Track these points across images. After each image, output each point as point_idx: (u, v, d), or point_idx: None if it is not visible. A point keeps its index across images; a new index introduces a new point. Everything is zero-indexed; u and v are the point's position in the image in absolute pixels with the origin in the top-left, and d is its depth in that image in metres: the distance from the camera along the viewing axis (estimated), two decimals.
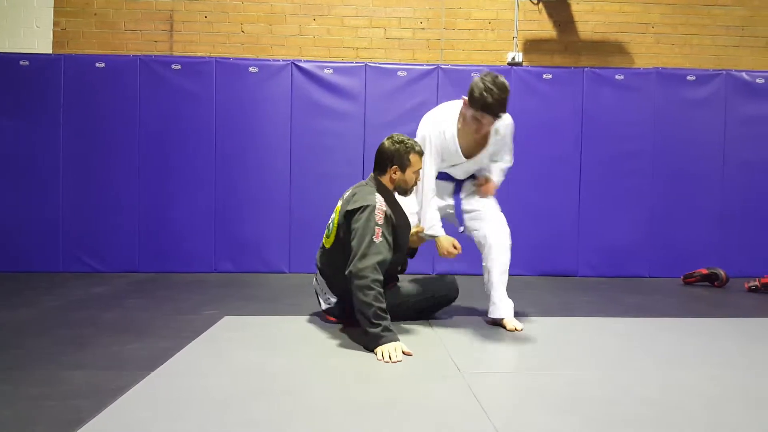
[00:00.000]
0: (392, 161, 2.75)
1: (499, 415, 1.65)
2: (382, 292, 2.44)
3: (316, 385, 1.93)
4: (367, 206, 2.58)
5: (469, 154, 2.94)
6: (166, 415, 1.64)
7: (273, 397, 1.79)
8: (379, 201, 2.62)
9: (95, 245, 4.85)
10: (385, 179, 2.79)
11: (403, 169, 2.76)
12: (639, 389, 1.92)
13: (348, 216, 2.65)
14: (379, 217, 2.57)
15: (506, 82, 2.73)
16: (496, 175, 3.09)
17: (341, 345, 2.48)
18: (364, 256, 2.47)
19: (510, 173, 3.19)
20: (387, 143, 2.78)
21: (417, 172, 2.80)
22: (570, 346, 2.56)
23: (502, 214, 3.04)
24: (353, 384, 1.96)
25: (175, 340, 2.48)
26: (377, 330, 2.35)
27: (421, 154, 2.81)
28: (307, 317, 3.04)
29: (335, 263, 2.73)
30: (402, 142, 2.76)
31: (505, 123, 2.96)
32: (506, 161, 3.14)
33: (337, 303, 2.85)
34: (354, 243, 2.53)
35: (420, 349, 2.41)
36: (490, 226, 2.93)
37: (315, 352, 2.38)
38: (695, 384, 2.00)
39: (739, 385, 2.00)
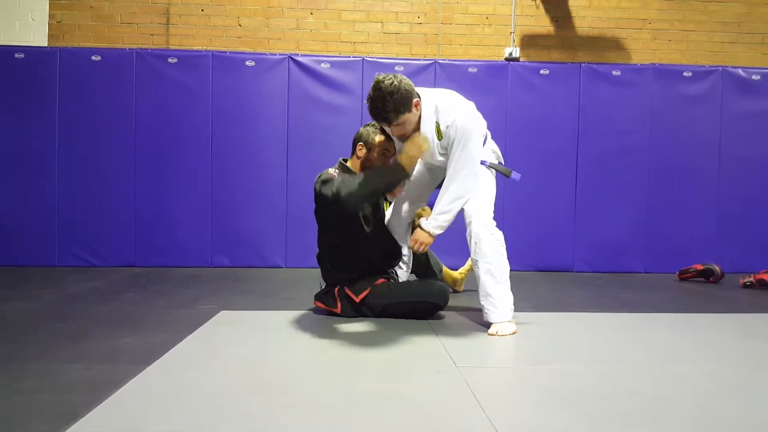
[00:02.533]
0: (360, 139, 2.93)
1: (495, 409, 1.65)
2: (345, 179, 2.64)
3: (311, 379, 1.93)
4: (319, 180, 2.79)
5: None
6: (162, 409, 1.64)
7: (269, 391, 1.79)
8: (330, 171, 2.84)
9: (91, 239, 4.84)
10: (352, 161, 2.96)
11: (368, 147, 2.89)
12: (633, 384, 1.93)
13: (315, 200, 2.87)
14: (331, 175, 2.79)
15: (386, 85, 2.51)
16: (439, 211, 2.68)
17: (337, 339, 2.49)
18: (336, 189, 2.61)
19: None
20: (361, 128, 2.99)
21: (383, 155, 2.87)
22: (565, 340, 2.57)
23: (486, 203, 2.71)
24: (349, 378, 1.96)
25: (171, 335, 2.48)
26: (380, 175, 2.64)
27: (389, 137, 2.88)
28: (303, 312, 3.04)
29: (320, 248, 2.98)
30: (372, 124, 2.94)
31: (447, 123, 2.64)
32: (456, 180, 2.66)
33: (324, 288, 2.99)
34: (324, 198, 2.69)
35: (416, 343, 2.42)
36: (471, 220, 2.67)
37: (310, 346, 2.39)
38: (689, 379, 2.01)
39: (733, 380, 2.01)
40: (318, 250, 3.01)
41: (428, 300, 2.86)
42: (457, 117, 2.62)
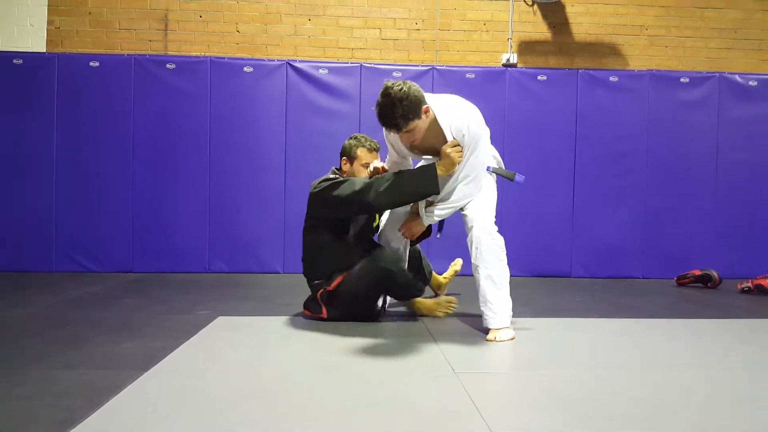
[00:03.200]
0: (343, 153, 3.00)
1: (493, 414, 1.65)
2: (365, 180, 2.70)
3: (309, 385, 1.93)
4: (320, 182, 2.85)
5: (423, 151, 2.81)
6: (160, 414, 1.64)
7: (266, 397, 1.79)
8: (332, 177, 2.87)
9: (89, 245, 4.83)
10: (341, 172, 3.03)
11: (351, 161, 2.97)
12: (631, 389, 1.93)
13: (310, 200, 2.90)
14: (336, 178, 2.83)
15: (395, 92, 2.47)
16: (439, 210, 2.74)
17: (335, 344, 2.48)
18: (360, 188, 2.67)
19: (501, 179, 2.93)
20: (346, 141, 3.04)
21: (367, 167, 2.92)
22: (563, 346, 2.57)
23: (488, 208, 2.73)
24: (347, 383, 1.96)
25: (169, 340, 2.47)
26: (421, 174, 2.64)
27: (371, 149, 2.96)
28: (300, 317, 3.04)
29: (304, 261, 3.01)
30: (356, 138, 3.00)
31: (463, 132, 2.63)
32: (462, 182, 2.68)
33: (310, 296, 3.01)
34: (340, 199, 2.71)
35: (414, 348, 2.42)
36: (473, 224, 2.67)
37: (308, 352, 2.38)
38: (687, 384, 2.01)
39: (730, 385, 2.01)
40: (303, 266, 3.02)
41: (379, 264, 2.77)
42: (470, 124, 2.64)
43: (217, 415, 1.62)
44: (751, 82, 5.15)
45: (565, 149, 5.07)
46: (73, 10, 5.19)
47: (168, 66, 4.88)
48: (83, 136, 4.82)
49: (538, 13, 5.47)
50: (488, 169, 2.77)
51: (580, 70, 5.11)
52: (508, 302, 2.69)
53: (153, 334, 2.61)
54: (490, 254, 2.64)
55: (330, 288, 2.86)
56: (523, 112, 5.04)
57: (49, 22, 5.19)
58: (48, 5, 5.17)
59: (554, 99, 5.06)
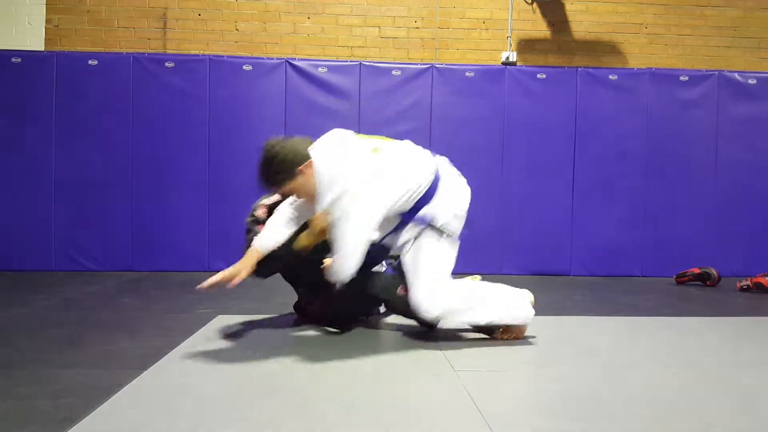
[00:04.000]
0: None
1: (493, 414, 1.65)
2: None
3: (308, 384, 1.92)
4: (250, 216, 2.87)
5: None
6: (159, 413, 1.63)
7: (266, 396, 1.78)
8: (268, 199, 2.80)
9: (88, 244, 4.82)
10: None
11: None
12: (631, 388, 1.93)
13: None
14: (262, 212, 2.82)
15: (266, 151, 2.34)
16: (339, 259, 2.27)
17: (334, 344, 2.48)
18: None
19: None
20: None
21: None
22: (563, 345, 2.56)
23: (435, 269, 2.38)
24: (347, 383, 1.95)
25: (168, 339, 2.47)
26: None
27: None
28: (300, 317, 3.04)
29: None
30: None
31: (333, 197, 2.28)
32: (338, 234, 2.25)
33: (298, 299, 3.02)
34: None
35: (414, 347, 2.42)
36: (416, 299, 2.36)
37: (308, 351, 2.38)
38: (686, 382, 2.01)
39: (730, 383, 2.01)
40: None
41: (370, 291, 2.59)
42: (343, 196, 2.26)
43: (215, 414, 1.62)
44: (750, 81, 5.15)
45: (564, 147, 5.07)
46: (71, 8, 5.18)
47: (167, 64, 4.87)
48: (82, 134, 4.81)
49: (538, 11, 5.46)
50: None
51: (579, 69, 5.10)
52: (508, 305, 2.50)
53: (152, 334, 2.60)
54: (459, 315, 2.42)
55: (310, 310, 2.86)
56: (523, 111, 5.04)
57: (48, 21, 5.18)
58: (46, 4, 5.17)
59: (554, 97, 5.06)
